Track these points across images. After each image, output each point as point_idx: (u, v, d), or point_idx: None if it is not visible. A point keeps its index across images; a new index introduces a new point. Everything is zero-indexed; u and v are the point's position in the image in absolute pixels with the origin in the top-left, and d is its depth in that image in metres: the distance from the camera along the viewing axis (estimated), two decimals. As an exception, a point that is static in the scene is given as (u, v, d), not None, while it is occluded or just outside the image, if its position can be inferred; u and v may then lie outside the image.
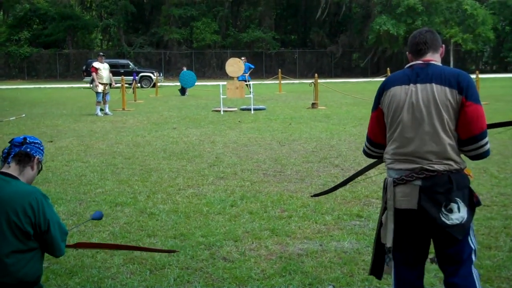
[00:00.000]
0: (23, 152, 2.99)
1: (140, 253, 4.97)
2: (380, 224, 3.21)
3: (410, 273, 3.17)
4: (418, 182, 2.98)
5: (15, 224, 2.86)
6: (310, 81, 22.42)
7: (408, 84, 3.06)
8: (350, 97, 23.22)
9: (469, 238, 3.06)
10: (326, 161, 9.19)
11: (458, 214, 2.95)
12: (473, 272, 3.07)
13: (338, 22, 58.00)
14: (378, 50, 54.84)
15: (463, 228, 2.98)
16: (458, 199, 2.96)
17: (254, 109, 18.48)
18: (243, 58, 26.54)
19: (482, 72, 49.12)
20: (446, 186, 2.95)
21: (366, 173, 4.68)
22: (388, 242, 3.12)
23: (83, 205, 6.69)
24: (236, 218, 6.03)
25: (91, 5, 60.66)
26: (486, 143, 3.02)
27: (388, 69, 32.28)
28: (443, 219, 2.95)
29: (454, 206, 2.95)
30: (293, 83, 38.75)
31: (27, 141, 3.02)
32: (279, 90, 29.99)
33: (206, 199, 6.81)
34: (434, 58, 3.15)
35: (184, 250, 5.00)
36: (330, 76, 52.77)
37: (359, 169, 5.22)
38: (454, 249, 3.05)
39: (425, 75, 3.04)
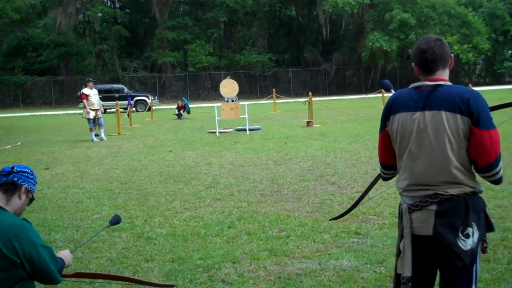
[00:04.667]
0: (9, 182, 2.92)
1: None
2: (398, 254, 2.97)
3: None
4: (433, 207, 2.81)
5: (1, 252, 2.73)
6: (305, 99, 22.51)
7: (415, 111, 2.84)
8: (344, 114, 23.29)
9: (474, 266, 2.86)
10: (322, 179, 9.19)
11: (471, 239, 2.78)
12: None
13: (331, 40, 58.46)
14: (371, 66, 55.21)
15: (472, 254, 2.80)
16: (473, 223, 2.79)
17: (250, 129, 18.52)
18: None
19: (475, 85, 49.44)
20: (462, 210, 2.78)
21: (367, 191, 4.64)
22: (407, 271, 2.87)
23: (80, 231, 6.66)
24: (234, 239, 6.01)
25: (84, 31, 61.03)
26: (501, 169, 2.84)
27: (382, 85, 32.42)
28: (460, 244, 2.77)
29: (470, 230, 2.78)
30: (287, 102, 38.88)
31: (14, 170, 2.94)
32: (274, 109, 30.11)
33: (203, 221, 6.80)
34: (444, 76, 2.92)
35: (182, 274, 4.97)
36: (325, 94, 53.05)
37: (362, 190, 5.20)
38: (460, 276, 2.85)
39: (433, 100, 2.81)
